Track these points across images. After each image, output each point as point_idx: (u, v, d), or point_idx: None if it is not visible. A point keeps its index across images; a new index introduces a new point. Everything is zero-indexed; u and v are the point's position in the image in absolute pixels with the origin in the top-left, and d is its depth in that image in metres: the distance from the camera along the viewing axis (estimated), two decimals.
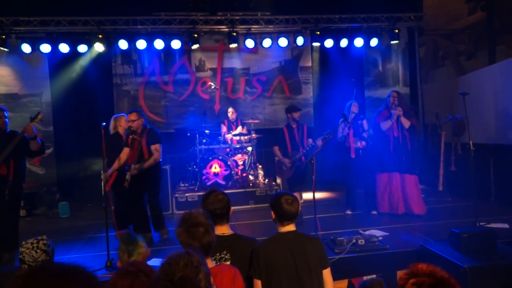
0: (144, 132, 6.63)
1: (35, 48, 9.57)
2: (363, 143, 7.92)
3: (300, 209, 3.60)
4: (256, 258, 3.39)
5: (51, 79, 10.12)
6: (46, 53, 9.77)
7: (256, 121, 9.65)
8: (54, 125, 10.08)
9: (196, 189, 9.08)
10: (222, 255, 3.32)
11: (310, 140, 7.71)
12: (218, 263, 3.15)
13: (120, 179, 6.59)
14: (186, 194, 8.95)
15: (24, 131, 5.81)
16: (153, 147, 6.63)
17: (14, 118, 9.87)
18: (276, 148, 7.90)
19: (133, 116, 6.54)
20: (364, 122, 7.95)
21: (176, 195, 8.97)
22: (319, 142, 7.27)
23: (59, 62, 10.02)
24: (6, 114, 6.04)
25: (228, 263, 3.28)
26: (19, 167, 6.03)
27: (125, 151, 6.69)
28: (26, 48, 9.51)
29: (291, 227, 3.51)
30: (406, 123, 7.63)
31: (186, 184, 9.51)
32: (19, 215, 6.44)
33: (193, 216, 2.86)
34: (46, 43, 9.52)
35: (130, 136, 6.62)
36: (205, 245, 2.77)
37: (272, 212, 3.54)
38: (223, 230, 3.44)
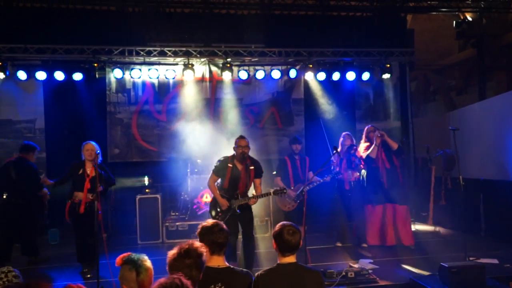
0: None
1: (30, 75, 9.57)
2: (356, 175, 7.99)
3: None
4: None
5: (46, 106, 10.13)
6: (41, 80, 9.78)
7: None
8: (47, 151, 10.05)
9: (186, 218, 9.06)
10: (217, 287, 3.32)
11: (311, 174, 7.77)
12: None
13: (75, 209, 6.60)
14: (177, 223, 8.94)
15: None
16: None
17: (8, 144, 9.91)
18: (278, 180, 7.92)
19: (245, 142, 6.47)
20: (358, 151, 8.03)
21: (167, 224, 8.96)
22: (319, 179, 7.60)
23: (54, 90, 10.03)
24: None
25: None
26: None
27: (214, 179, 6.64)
28: (22, 75, 9.52)
29: (291, 259, 3.52)
30: (394, 144, 7.75)
31: (176, 213, 9.47)
32: None
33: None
34: (42, 70, 9.53)
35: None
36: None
37: (273, 242, 3.56)
38: (218, 262, 3.46)
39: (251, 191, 6.72)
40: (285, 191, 6.55)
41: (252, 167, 6.50)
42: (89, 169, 6.65)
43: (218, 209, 6.48)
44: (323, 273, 5.73)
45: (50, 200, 9.85)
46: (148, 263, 3.11)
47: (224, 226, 3.56)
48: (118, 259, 3.15)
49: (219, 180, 6.63)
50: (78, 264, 7.12)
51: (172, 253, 3.03)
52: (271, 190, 6.57)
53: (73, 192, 6.70)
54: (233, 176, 6.44)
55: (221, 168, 6.51)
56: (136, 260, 3.08)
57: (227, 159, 6.52)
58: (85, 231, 6.57)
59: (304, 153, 8.48)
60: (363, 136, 8.12)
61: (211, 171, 6.65)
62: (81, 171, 6.69)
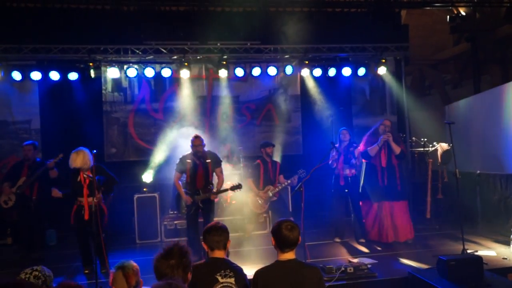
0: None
1: (25, 75, 9.53)
2: (353, 170, 8.02)
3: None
4: (254, 285, 3.43)
5: (41, 106, 10.10)
6: (36, 81, 9.74)
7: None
8: (43, 152, 9.99)
9: (185, 216, 9.05)
10: (227, 272, 3.49)
11: (282, 177, 8.32)
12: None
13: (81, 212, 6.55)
14: (175, 222, 8.95)
15: None
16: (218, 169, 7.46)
17: (3, 145, 9.87)
18: (250, 181, 8.32)
19: (199, 141, 7.22)
20: (356, 150, 8.05)
21: (165, 222, 8.96)
22: (294, 181, 8.05)
23: (49, 90, 10.00)
24: None
25: (232, 280, 3.45)
26: None
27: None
28: (16, 75, 9.48)
29: (290, 255, 3.52)
30: (397, 149, 7.73)
31: (175, 212, 9.45)
32: None
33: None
34: (37, 70, 9.50)
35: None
36: None
37: (272, 239, 3.57)
38: (221, 255, 3.66)
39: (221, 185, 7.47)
40: (240, 186, 7.42)
41: (208, 161, 7.28)
42: (84, 175, 6.40)
43: (183, 204, 7.33)
44: (323, 268, 5.75)
45: (48, 201, 9.88)
46: (130, 270, 3.33)
47: (220, 225, 3.74)
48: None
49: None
50: (76, 265, 7.15)
51: (156, 254, 3.06)
52: (228, 187, 7.38)
53: (76, 198, 6.63)
54: (192, 171, 7.23)
55: (181, 165, 7.34)
56: (124, 263, 3.35)
57: (186, 156, 7.37)
58: (89, 236, 6.55)
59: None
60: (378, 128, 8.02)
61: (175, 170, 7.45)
62: (78, 178, 6.53)
